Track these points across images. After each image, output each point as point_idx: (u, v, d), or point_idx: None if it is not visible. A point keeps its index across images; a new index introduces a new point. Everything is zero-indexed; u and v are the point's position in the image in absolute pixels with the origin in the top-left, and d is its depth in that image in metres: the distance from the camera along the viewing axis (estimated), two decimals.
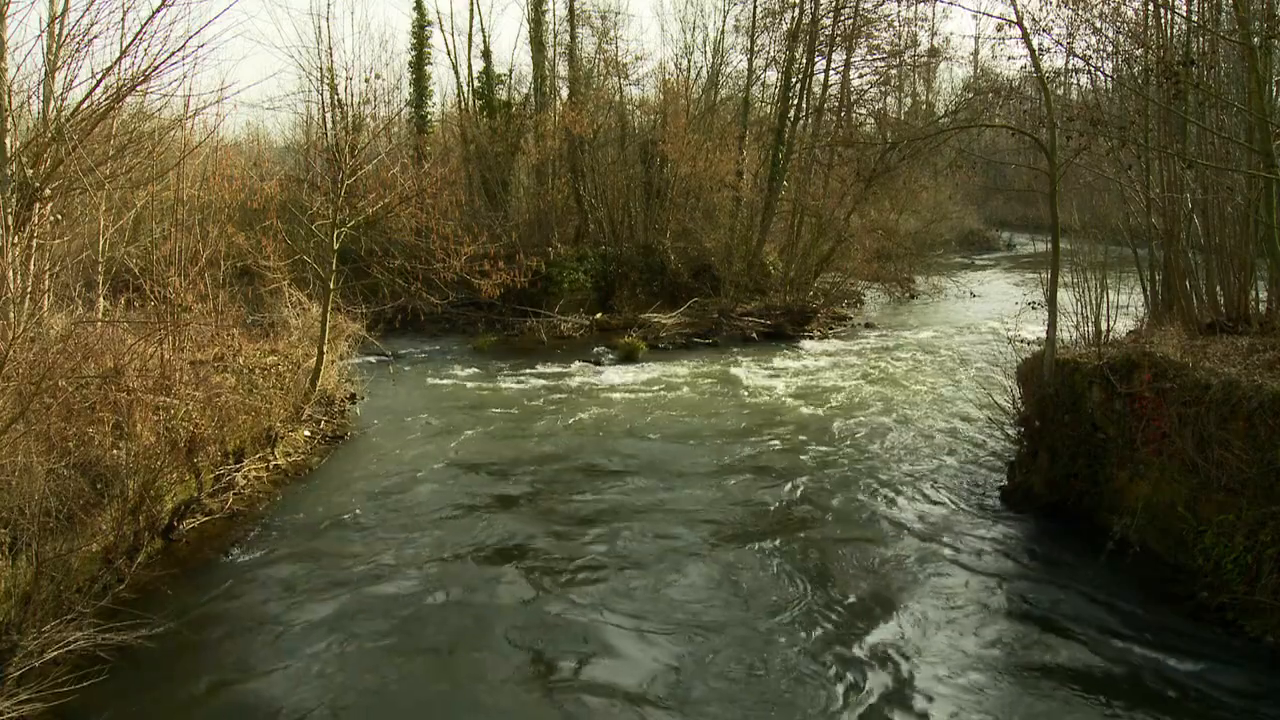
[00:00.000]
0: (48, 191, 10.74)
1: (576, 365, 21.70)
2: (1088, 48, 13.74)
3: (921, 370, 20.85)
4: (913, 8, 28.82)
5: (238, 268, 16.43)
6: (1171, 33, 13.29)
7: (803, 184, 28.41)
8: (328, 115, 29.50)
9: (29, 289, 10.67)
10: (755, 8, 28.68)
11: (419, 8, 30.67)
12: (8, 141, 10.50)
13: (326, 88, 29.29)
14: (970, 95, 20.63)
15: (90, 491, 9.25)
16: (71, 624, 7.87)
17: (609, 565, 10.53)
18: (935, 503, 12.44)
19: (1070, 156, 12.68)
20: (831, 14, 27.51)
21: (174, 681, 8.09)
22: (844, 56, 28.18)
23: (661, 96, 30.22)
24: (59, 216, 11.53)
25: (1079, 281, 12.65)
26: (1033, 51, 12.67)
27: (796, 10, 27.41)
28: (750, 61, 29.50)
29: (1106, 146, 12.50)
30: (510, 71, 31.13)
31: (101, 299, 12.69)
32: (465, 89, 30.69)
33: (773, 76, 29.61)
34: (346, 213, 16.86)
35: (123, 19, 10.93)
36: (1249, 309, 12.01)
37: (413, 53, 31.19)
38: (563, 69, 30.54)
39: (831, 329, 26.32)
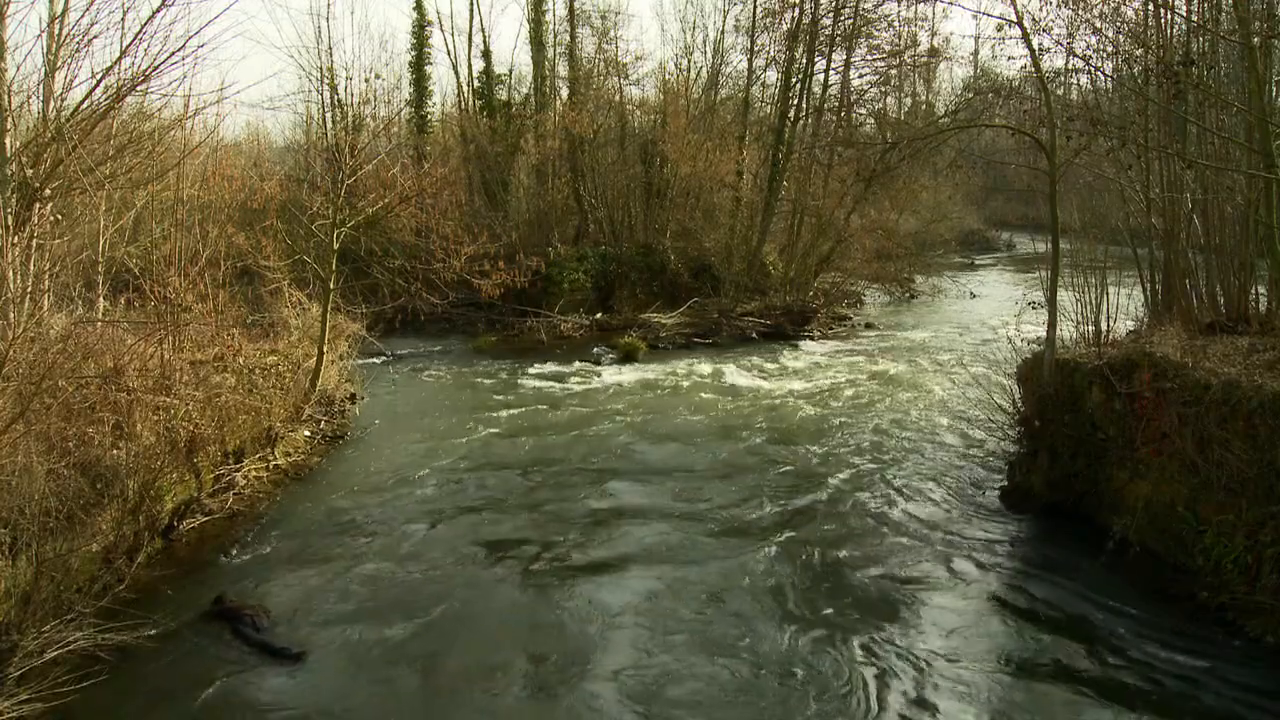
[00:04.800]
0: (48, 191, 10.73)
1: (576, 365, 21.69)
2: (1088, 48, 13.72)
3: (921, 370, 20.84)
4: (913, 8, 28.85)
5: (238, 268, 16.39)
6: (1171, 33, 13.28)
7: (803, 184, 28.41)
8: (328, 115, 29.59)
9: (29, 289, 10.66)
10: (755, 8, 28.72)
11: (419, 8, 30.68)
12: (8, 141, 10.48)
13: (326, 88, 29.37)
14: (970, 95, 20.60)
15: (90, 491, 9.25)
16: (71, 624, 7.86)
17: (609, 565, 10.53)
18: (935, 502, 12.44)
19: (1070, 156, 12.67)
20: (831, 14, 27.53)
21: (174, 681, 8.09)
22: (844, 56, 28.22)
23: (661, 96, 30.24)
24: (59, 216, 11.51)
25: (1079, 281, 12.65)
26: (1033, 51, 12.67)
27: (796, 10, 27.41)
28: (750, 61, 29.54)
29: (1106, 146, 12.48)
30: (510, 71, 31.19)
31: (101, 299, 12.69)
32: (465, 89, 30.71)
33: (773, 76, 29.67)
34: (346, 213, 16.87)
35: (123, 19, 10.90)
36: (1249, 309, 11.99)
37: (413, 53, 31.19)
38: (563, 69, 30.57)
39: (831, 329, 26.31)
